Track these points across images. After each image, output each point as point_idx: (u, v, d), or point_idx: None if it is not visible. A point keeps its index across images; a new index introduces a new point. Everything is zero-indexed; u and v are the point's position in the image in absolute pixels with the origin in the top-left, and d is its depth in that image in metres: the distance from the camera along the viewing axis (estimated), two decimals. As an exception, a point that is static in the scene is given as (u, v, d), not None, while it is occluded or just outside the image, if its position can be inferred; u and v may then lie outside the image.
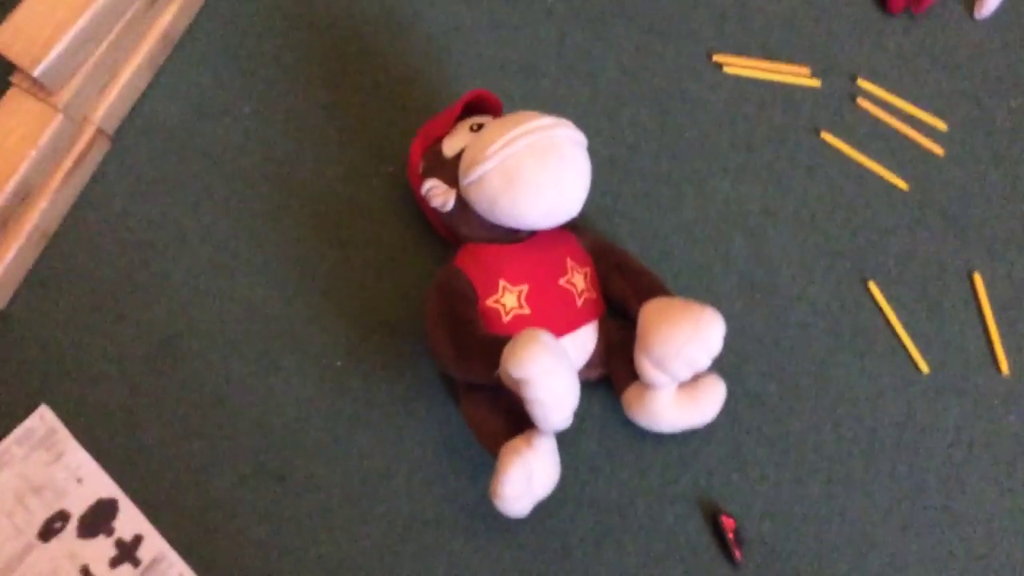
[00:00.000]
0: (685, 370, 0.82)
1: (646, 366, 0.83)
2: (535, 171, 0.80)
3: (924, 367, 0.94)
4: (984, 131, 1.01)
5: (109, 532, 0.89)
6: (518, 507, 0.80)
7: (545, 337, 0.74)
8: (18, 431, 0.92)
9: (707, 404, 0.86)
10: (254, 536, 0.89)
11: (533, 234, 0.88)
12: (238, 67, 1.03)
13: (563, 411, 0.76)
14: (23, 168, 0.91)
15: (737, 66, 1.03)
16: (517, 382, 0.74)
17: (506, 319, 0.85)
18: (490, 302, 0.85)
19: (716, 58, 1.03)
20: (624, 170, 1.00)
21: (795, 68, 1.03)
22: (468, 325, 0.82)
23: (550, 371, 0.73)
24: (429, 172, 0.88)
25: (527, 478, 0.79)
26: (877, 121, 1.02)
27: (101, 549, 0.89)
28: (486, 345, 0.79)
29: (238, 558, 0.89)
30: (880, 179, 1.00)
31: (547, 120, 0.82)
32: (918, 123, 1.02)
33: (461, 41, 1.05)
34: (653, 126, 1.02)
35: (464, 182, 0.83)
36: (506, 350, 0.74)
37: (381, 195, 1.00)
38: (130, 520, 0.90)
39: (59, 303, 0.96)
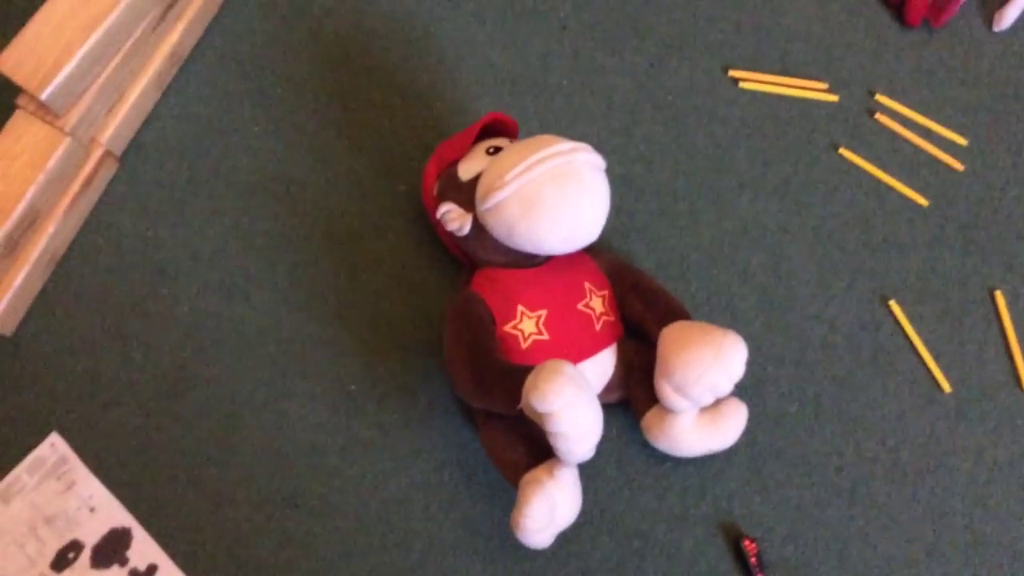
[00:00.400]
0: (707, 396, 0.80)
1: (667, 391, 0.82)
2: (554, 198, 0.78)
3: (946, 386, 0.93)
4: (1004, 145, 1.00)
5: (123, 562, 0.88)
6: (540, 539, 0.79)
7: (568, 369, 0.73)
8: (29, 459, 0.90)
9: (729, 428, 0.85)
10: (270, 564, 0.88)
11: (550, 258, 0.86)
12: (247, 85, 1.02)
13: (587, 443, 0.74)
14: (30, 193, 0.90)
15: (753, 81, 1.02)
16: (540, 415, 0.73)
17: (525, 345, 0.84)
18: (508, 328, 0.84)
19: (732, 73, 1.02)
20: (639, 188, 0.99)
21: (812, 83, 1.02)
22: (488, 354, 0.81)
23: (573, 404, 0.72)
24: (444, 195, 0.87)
25: (549, 510, 0.78)
26: (896, 136, 1.00)
27: (115, 579, 0.88)
28: (507, 376, 0.77)
29: (251, 585, 0.88)
30: (899, 195, 0.99)
31: (565, 145, 0.80)
32: (937, 138, 1.00)
33: (473, 57, 1.03)
34: (668, 142, 1.00)
35: (481, 208, 0.82)
36: (528, 383, 0.73)
37: (394, 214, 0.98)
38: (145, 550, 0.89)
39: (69, 328, 0.95)
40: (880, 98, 1.01)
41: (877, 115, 1.01)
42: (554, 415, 0.72)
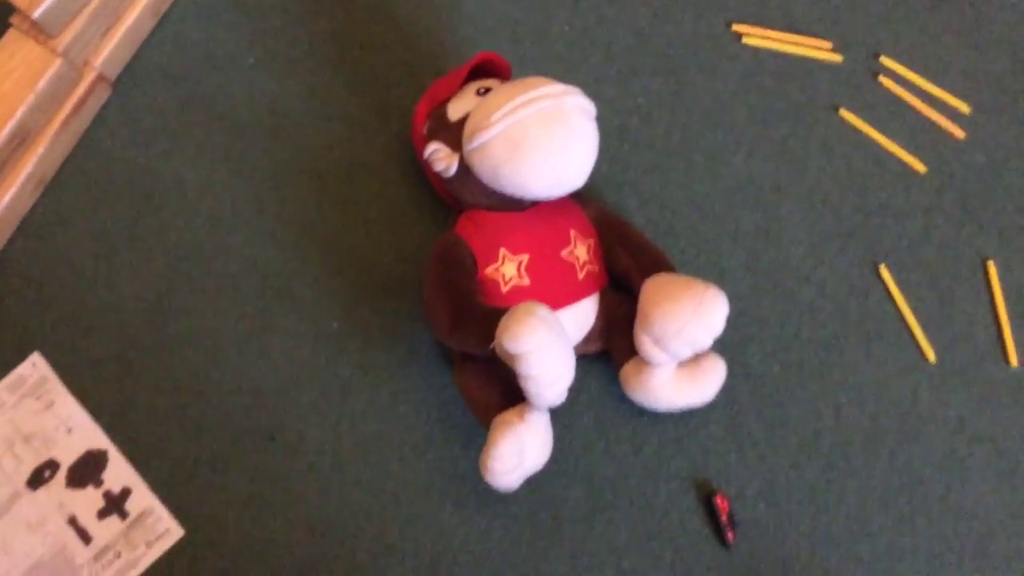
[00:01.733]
0: (686, 349, 0.80)
1: (646, 343, 0.81)
2: (540, 140, 0.77)
3: (931, 355, 0.92)
4: (1008, 115, 0.98)
5: (98, 483, 0.89)
6: (508, 481, 0.79)
7: (542, 311, 0.72)
8: (9, 378, 0.91)
9: (707, 384, 0.84)
10: (243, 494, 0.88)
11: (536, 203, 0.86)
12: (243, 16, 1.01)
13: (557, 388, 0.74)
14: (20, 112, 0.89)
15: (757, 37, 1.00)
16: (511, 356, 0.72)
17: (505, 289, 0.83)
18: (489, 271, 0.84)
19: (735, 28, 1.00)
20: (634, 140, 0.98)
21: (816, 42, 1.00)
22: (466, 295, 0.80)
23: (545, 347, 0.71)
24: (433, 135, 0.86)
25: (518, 452, 0.78)
26: (898, 100, 0.99)
27: (89, 500, 0.88)
28: (483, 317, 0.77)
29: (226, 515, 0.88)
30: (897, 160, 0.97)
31: (555, 87, 0.79)
32: (940, 104, 0.99)
33: (474, -1, 1.02)
34: (666, 95, 0.99)
35: (467, 148, 0.81)
36: (501, 323, 0.73)
37: (385, 154, 0.97)
38: (119, 472, 0.89)
39: (55, 250, 0.94)
40: (885, 60, 0.99)
41: (880, 77, 0.99)
42: (525, 357, 0.71)
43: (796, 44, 1.00)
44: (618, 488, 0.88)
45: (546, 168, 0.79)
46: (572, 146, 0.79)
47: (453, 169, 0.84)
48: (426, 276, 0.83)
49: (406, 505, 0.88)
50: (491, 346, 0.75)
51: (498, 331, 0.73)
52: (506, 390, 0.81)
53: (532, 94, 0.78)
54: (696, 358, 0.84)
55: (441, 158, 0.84)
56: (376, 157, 0.97)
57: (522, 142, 0.78)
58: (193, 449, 0.90)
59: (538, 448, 0.80)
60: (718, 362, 0.84)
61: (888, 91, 0.99)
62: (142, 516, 0.88)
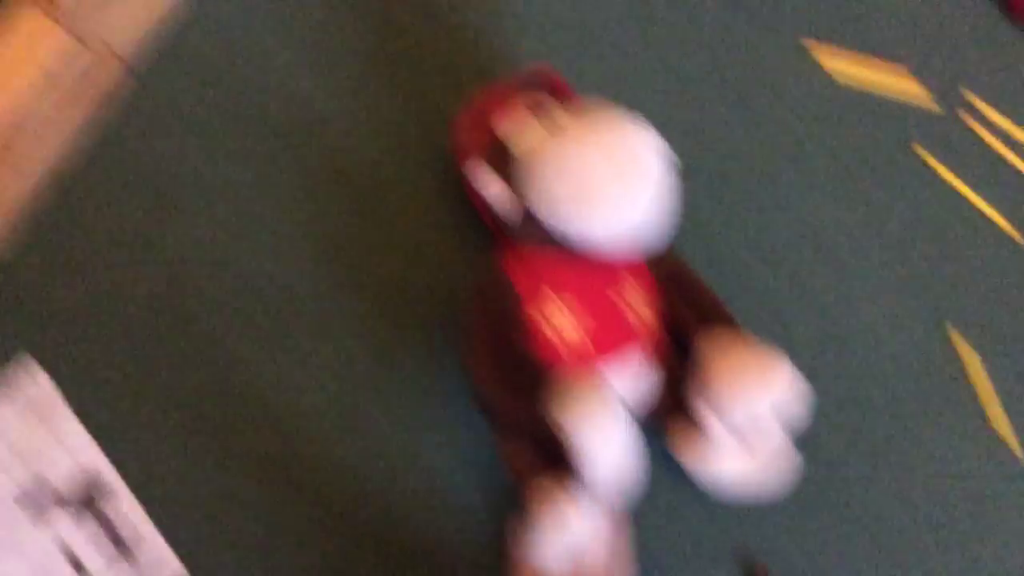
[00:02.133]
0: (746, 420, 0.74)
1: (702, 410, 0.75)
2: (614, 191, 0.72)
3: (1017, 449, 0.85)
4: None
5: (92, 507, 0.83)
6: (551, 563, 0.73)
7: (604, 393, 0.66)
8: (1, 386, 0.84)
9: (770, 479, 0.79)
10: (250, 533, 0.82)
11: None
12: (281, 3, 0.93)
13: (616, 482, 0.68)
14: (23, 92, 0.83)
15: (839, 61, 0.93)
16: (569, 440, 0.66)
17: (548, 332, 0.77)
18: (532, 310, 0.77)
19: (813, 50, 0.94)
20: (696, 175, 0.90)
21: (907, 83, 0.92)
22: (516, 350, 0.75)
23: (608, 441, 0.65)
24: (494, 168, 0.79)
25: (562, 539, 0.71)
26: (990, 150, 0.92)
27: (82, 525, 0.82)
28: (534, 386, 0.71)
29: (229, 555, 0.82)
30: (988, 220, 0.90)
31: (633, 134, 0.73)
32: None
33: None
34: (733, 121, 0.92)
35: (532, 196, 0.75)
36: (557, 401, 0.66)
37: (426, 168, 0.90)
38: (116, 496, 0.83)
39: (55, 247, 0.87)
40: (972, 99, 0.93)
41: (965, 117, 0.93)
42: (586, 450, 0.65)
43: (883, 77, 0.93)
44: (648, 549, 0.82)
45: (617, 222, 0.73)
46: (646, 202, 0.73)
47: (517, 215, 0.77)
48: (468, 331, 0.77)
49: (420, 566, 0.82)
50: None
51: (553, 407, 0.67)
52: (556, 463, 0.74)
53: (608, 139, 0.72)
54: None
55: (504, 202, 0.77)
56: (416, 170, 0.90)
57: (594, 195, 0.72)
58: (196, 478, 0.83)
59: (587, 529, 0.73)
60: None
61: (979, 138, 0.92)
62: (139, 546, 0.82)
